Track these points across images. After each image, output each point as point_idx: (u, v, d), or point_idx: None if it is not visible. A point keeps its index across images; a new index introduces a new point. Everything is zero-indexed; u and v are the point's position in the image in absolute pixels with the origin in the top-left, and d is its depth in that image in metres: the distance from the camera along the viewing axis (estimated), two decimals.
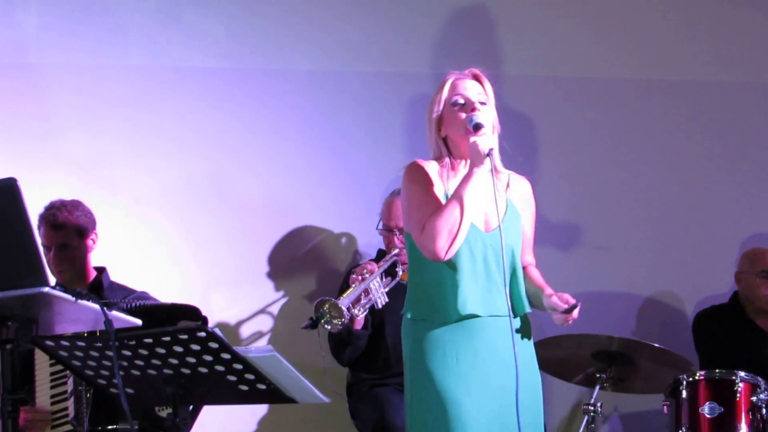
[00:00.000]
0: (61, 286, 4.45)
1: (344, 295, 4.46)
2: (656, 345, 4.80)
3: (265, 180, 5.47)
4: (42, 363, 4.33)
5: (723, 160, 5.77)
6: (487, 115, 3.65)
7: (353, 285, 4.59)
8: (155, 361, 3.11)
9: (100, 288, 4.64)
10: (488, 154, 3.52)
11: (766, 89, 5.81)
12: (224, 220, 5.41)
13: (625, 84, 5.76)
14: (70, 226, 4.60)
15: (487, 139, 3.56)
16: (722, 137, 5.78)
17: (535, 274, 3.82)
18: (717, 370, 4.73)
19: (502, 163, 3.74)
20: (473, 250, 3.60)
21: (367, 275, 4.61)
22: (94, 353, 3.10)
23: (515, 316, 3.65)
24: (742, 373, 4.67)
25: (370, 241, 5.44)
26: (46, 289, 3.09)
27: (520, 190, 3.81)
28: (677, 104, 5.78)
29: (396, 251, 4.80)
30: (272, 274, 5.44)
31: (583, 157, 5.76)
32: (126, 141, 5.30)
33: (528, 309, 3.70)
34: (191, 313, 4.27)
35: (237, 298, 5.39)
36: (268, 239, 5.45)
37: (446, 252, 3.52)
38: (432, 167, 3.68)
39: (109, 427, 4.14)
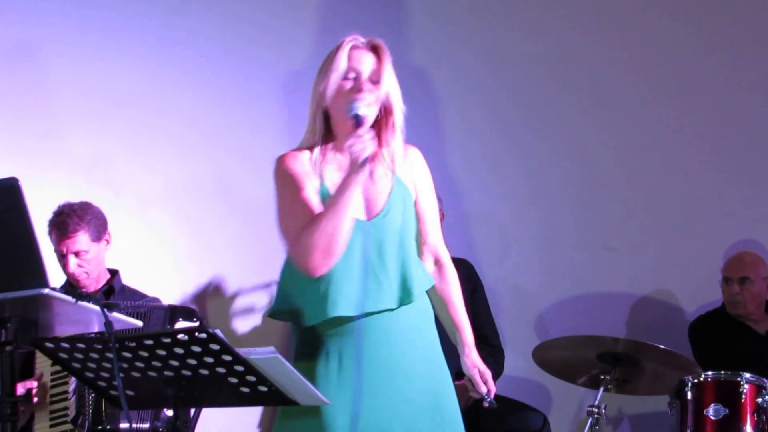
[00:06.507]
0: (72, 288, 4.47)
1: None
2: (661, 346, 4.78)
3: (269, 180, 5.44)
4: (44, 362, 4.31)
5: (733, 163, 5.76)
6: (374, 99, 3.27)
7: None
8: (156, 363, 3.08)
9: (111, 292, 4.62)
10: (365, 162, 3.14)
11: None
12: (228, 221, 5.39)
13: (629, 84, 5.75)
14: (82, 233, 4.53)
15: (367, 143, 3.15)
16: (728, 139, 5.76)
17: (453, 298, 3.42)
18: (722, 372, 4.70)
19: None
20: (351, 244, 3.21)
21: None
22: (94, 355, 3.08)
23: (400, 305, 3.27)
24: (747, 375, 4.64)
25: None
26: (46, 291, 3.09)
27: (410, 161, 3.38)
28: (682, 104, 5.76)
29: None
30: (277, 275, 5.41)
31: (589, 158, 5.75)
32: (129, 140, 5.28)
33: (414, 298, 3.27)
34: (189, 314, 4.23)
35: (240, 299, 5.37)
36: (273, 239, 5.38)
37: (322, 269, 3.19)
38: (303, 157, 3.33)
39: (108, 427, 4.12)
